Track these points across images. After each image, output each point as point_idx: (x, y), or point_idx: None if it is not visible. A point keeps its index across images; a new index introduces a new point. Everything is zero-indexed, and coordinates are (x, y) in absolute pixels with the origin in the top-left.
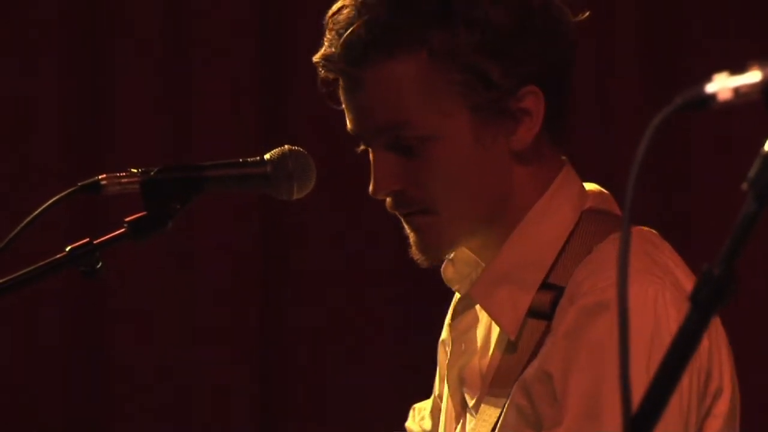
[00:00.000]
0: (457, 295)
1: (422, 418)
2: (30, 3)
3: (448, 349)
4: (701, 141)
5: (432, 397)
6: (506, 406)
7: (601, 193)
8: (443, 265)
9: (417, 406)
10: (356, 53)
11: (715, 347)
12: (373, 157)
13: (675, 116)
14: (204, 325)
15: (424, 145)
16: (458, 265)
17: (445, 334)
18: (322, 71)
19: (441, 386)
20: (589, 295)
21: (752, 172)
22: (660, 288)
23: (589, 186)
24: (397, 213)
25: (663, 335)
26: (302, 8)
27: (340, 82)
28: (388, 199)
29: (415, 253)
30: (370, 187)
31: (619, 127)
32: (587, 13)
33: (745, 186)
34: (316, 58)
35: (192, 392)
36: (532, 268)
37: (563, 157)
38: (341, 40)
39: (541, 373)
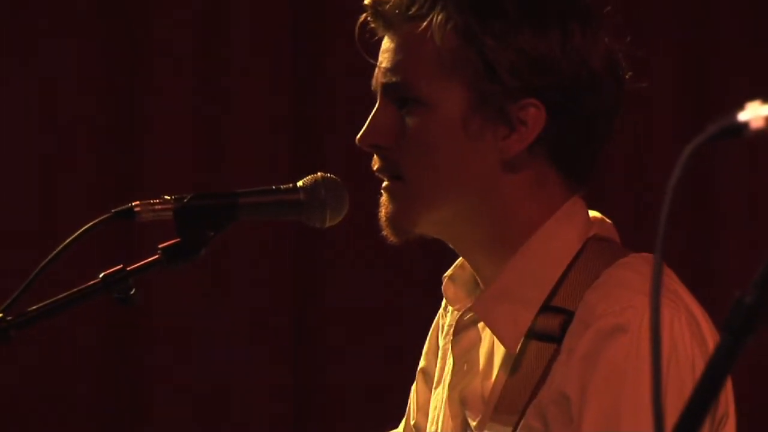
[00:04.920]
0: (450, 315)
1: None
2: (67, 28)
3: (444, 365)
4: (728, 172)
5: (401, 427)
6: (518, 429)
7: (603, 221)
8: (444, 285)
9: None
10: (404, 5)
11: None
12: (376, 108)
13: (705, 145)
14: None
15: (418, 109)
16: (458, 284)
17: (423, 362)
18: (369, 16)
19: (419, 415)
20: (606, 317)
21: None
22: (675, 312)
23: (593, 213)
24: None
25: (680, 358)
26: (338, 32)
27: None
28: (374, 158)
29: (383, 228)
30: (358, 135)
31: (654, 157)
32: (629, 74)
33: None
34: (367, 0)
35: (229, 396)
36: (534, 287)
37: (578, 195)
38: None
39: (557, 395)
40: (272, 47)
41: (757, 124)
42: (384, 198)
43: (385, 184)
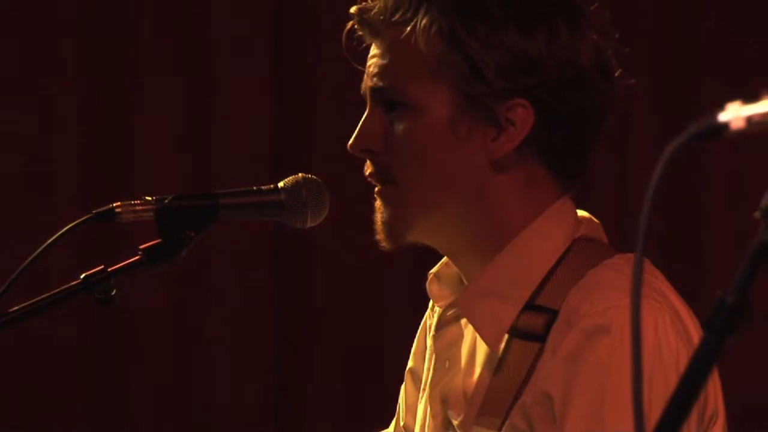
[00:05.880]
0: (437, 311)
1: None
2: (51, 39)
3: (431, 365)
4: (711, 170)
5: (392, 428)
6: (503, 430)
7: (591, 221)
8: (428, 281)
9: None
10: (388, 12)
11: None
12: (366, 113)
13: (687, 146)
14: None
15: (406, 113)
16: (443, 282)
17: (412, 362)
18: (356, 24)
19: (407, 416)
20: (589, 317)
21: (765, 201)
22: (659, 312)
23: (580, 213)
24: (371, 182)
25: (664, 359)
26: (321, 32)
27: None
28: (366, 164)
29: (378, 233)
30: (350, 141)
31: (635, 157)
32: (619, 71)
33: (757, 214)
34: (353, 9)
35: (212, 398)
36: (518, 285)
37: (567, 195)
38: None
39: (540, 395)
40: (255, 47)
41: (737, 124)
42: (378, 203)
43: (377, 188)
